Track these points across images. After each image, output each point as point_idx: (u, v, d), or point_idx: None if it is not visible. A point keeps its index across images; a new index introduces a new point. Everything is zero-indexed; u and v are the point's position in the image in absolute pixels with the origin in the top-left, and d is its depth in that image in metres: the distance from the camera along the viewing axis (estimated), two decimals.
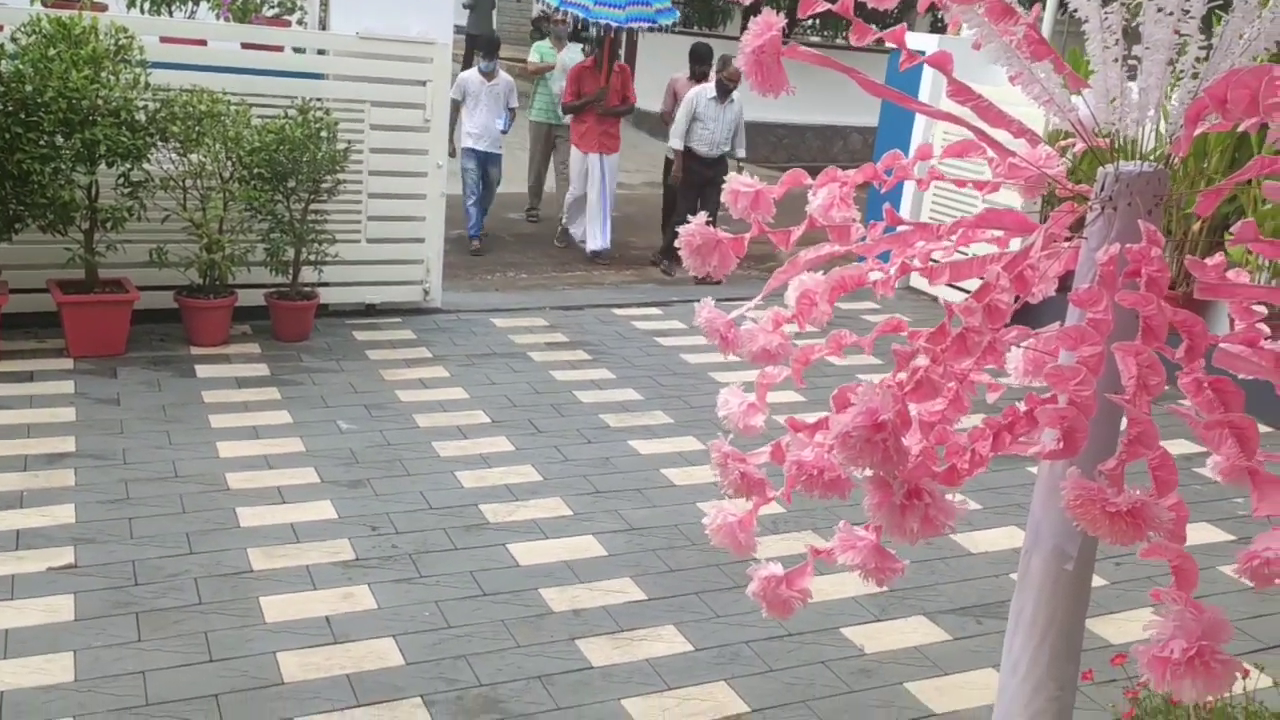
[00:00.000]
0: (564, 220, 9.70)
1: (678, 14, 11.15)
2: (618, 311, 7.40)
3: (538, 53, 10.01)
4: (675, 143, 9.08)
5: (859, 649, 3.69)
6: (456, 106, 8.92)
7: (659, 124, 11.20)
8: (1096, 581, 4.10)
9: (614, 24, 9.36)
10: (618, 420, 5.49)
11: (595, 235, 9.28)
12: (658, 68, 12.35)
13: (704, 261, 1.93)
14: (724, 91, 8.88)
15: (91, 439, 4.70)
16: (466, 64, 12.49)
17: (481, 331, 6.73)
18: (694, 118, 8.94)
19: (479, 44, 9.24)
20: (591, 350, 6.54)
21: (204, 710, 3.07)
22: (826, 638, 3.74)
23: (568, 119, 9.56)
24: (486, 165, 9.22)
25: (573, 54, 9.84)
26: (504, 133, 9.32)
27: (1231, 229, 1.92)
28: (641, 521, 4.44)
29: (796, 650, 3.64)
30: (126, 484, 4.34)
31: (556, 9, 9.57)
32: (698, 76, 9.51)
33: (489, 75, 9.12)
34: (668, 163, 9.62)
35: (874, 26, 1.96)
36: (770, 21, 1.80)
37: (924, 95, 7.61)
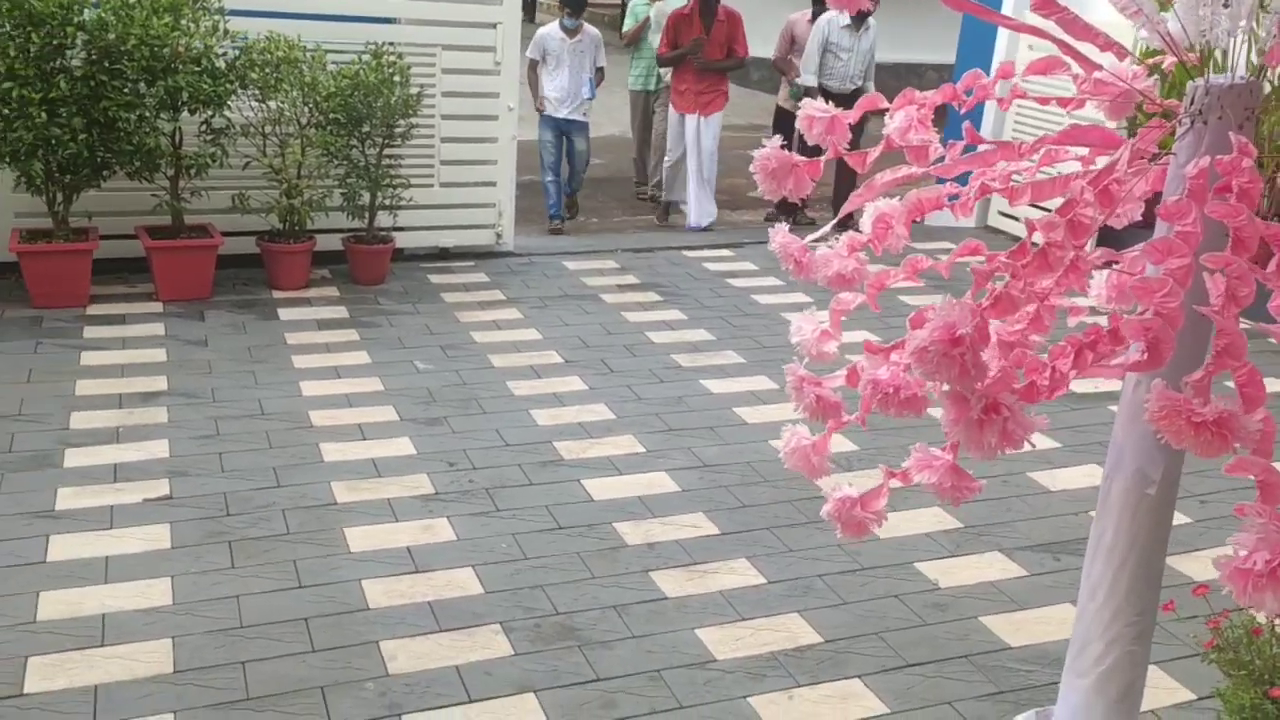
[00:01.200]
0: (660, 190, 8.55)
1: None
2: (689, 254, 7.39)
3: (633, 15, 8.93)
4: (808, 79, 7.97)
5: (933, 583, 3.69)
6: (534, 66, 7.91)
7: (771, 74, 10.20)
8: (1180, 519, 4.05)
9: None
10: (690, 360, 5.50)
11: (694, 209, 8.16)
12: (772, 8, 11.10)
13: (780, 185, 1.93)
14: (860, 17, 7.72)
15: (182, 378, 4.86)
16: (529, 14, 11.97)
17: (554, 274, 6.78)
18: (825, 49, 7.95)
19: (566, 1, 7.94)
20: (663, 292, 6.55)
21: (295, 632, 3.19)
22: (900, 572, 3.74)
23: (667, 78, 8.38)
24: (570, 135, 8.03)
25: (673, 5, 8.45)
26: (590, 99, 8.08)
27: None
28: (714, 459, 4.47)
29: (870, 584, 3.66)
30: (216, 421, 4.49)
31: None
32: (856, 23, 8.10)
33: (573, 30, 7.84)
34: (779, 113, 8.67)
35: None
36: None
37: (1008, 10, 7.43)
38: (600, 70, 8.09)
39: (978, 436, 1.52)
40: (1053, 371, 1.64)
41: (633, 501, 4.10)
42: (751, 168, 1.97)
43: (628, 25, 8.88)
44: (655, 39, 8.35)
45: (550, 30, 7.97)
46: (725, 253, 7.47)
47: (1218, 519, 4.16)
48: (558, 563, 3.67)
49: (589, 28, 8.00)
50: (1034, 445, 1.61)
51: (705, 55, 7.90)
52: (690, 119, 8.11)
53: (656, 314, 6.17)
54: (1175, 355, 1.60)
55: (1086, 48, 1.85)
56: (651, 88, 8.74)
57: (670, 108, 8.27)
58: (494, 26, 6.65)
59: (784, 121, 8.17)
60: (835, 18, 7.89)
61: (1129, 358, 1.52)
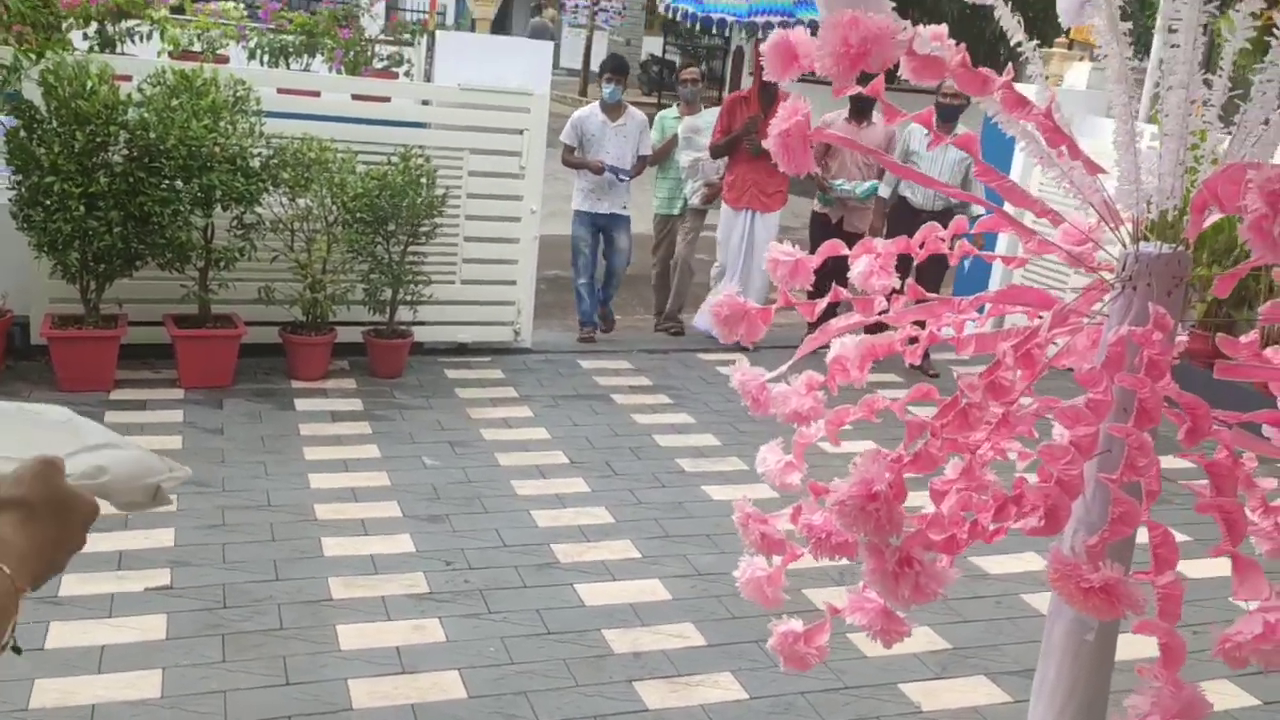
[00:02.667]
0: (679, 321, 7.89)
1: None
2: (703, 356, 7.50)
3: (660, 127, 7.90)
4: (883, 188, 7.14)
5: (915, 706, 3.69)
6: (570, 152, 7.29)
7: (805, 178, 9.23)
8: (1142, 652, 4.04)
9: (731, 18, 7.42)
10: (693, 465, 5.58)
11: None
12: (817, 108, 10.74)
13: (733, 331, 2.04)
14: (947, 116, 6.48)
15: (195, 466, 4.96)
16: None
17: (568, 373, 6.91)
18: (906, 159, 6.90)
19: (605, 65, 7.31)
20: (674, 394, 6.66)
21: None
22: (884, 693, 3.75)
23: (693, 197, 7.65)
24: (610, 232, 7.34)
25: (714, 116, 7.61)
26: (626, 178, 7.21)
27: (1259, 310, 1.94)
28: (708, 567, 4.52)
29: (852, 704, 3.67)
30: (223, 511, 4.61)
31: (685, 64, 7.96)
32: (856, 114, 7.28)
33: (615, 110, 7.15)
34: (814, 219, 7.68)
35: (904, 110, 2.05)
36: (797, 107, 1.91)
37: (1017, 160, 7.56)
38: (644, 159, 7.37)
39: (893, 588, 1.59)
40: (974, 525, 1.71)
41: (623, 609, 4.15)
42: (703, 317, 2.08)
43: (654, 140, 7.74)
44: (683, 157, 7.65)
45: (589, 112, 7.31)
46: (740, 356, 7.56)
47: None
48: (544, 669, 3.72)
49: (634, 110, 7.36)
50: (946, 597, 1.68)
51: (762, 138, 7.09)
52: (744, 216, 7.38)
53: (665, 417, 6.27)
54: (1098, 512, 1.68)
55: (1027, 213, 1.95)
56: (676, 211, 7.88)
57: (724, 206, 7.55)
58: (520, 133, 6.91)
59: (820, 229, 7.52)
60: (915, 125, 6.34)
61: (1027, 523, 1.60)
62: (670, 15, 7.77)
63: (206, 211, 5.76)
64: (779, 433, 2.36)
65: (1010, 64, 2.17)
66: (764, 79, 5.84)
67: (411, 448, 5.48)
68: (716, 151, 7.44)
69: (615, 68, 7.30)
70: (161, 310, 6.11)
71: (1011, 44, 2.06)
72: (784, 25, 6.62)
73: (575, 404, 6.36)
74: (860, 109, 7.17)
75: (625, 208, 7.32)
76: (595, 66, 25.33)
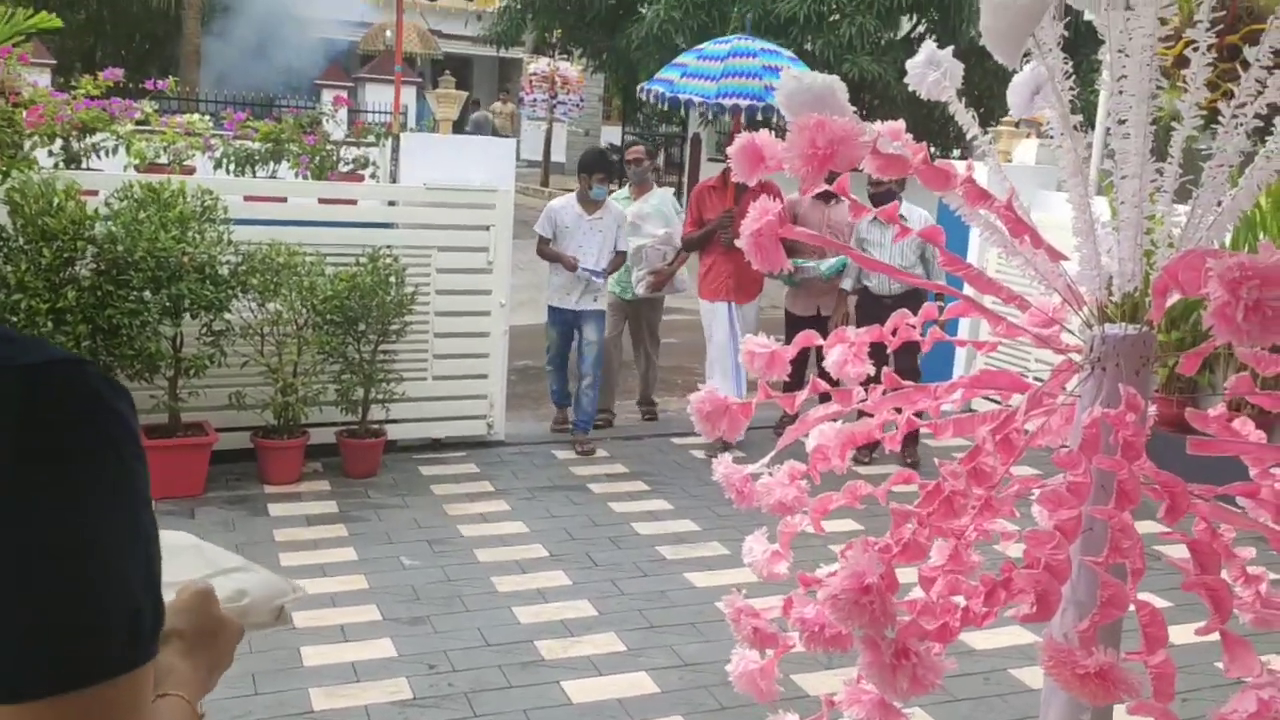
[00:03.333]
0: (612, 415, 7.72)
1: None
2: (676, 440, 7.51)
3: None
4: (845, 282, 6.96)
5: None
6: (544, 243, 7.02)
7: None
8: None
9: (700, 99, 7.01)
10: (674, 552, 5.56)
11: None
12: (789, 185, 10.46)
13: (715, 427, 2.07)
14: (881, 202, 5.98)
15: None
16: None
17: (543, 464, 6.90)
18: (860, 244, 6.76)
19: (587, 162, 6.97)
20: (650, 480, 6.65)
21: None
22: None
23: (638, 286, 7.41)
24: (582, 326, 7.04)
25: (662, 202, 7.59)
26: (600, 278, 6.93)
27: (1226, 383, 2.00)
28: (694, 657, 4.47)
29: None
30: None
31: (646, 97, 7.36)
32: (826, 198, 6.83)
33: (593, 205, 6.90)
34: (788, 314, 7.40)
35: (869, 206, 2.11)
36: (767, 208, 1.96)
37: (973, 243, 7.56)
38: (621, 255, 7.06)
39: (890, 681, 1.60)
40: (965, 611, 1.73)
41: (611, 704, 4.09)
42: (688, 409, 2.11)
43: None
44: (633, 243, 7.25)
45: (564, 204, 7.01)
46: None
47: None
48: None
49: (612, 203, 7.09)
50: (943, 688, 1.68)
51: (737, 230, 6.69)
52: (720, 308, 7.08)
53: (643, 504, 6.26)
54: (1085, 595, 1.70)
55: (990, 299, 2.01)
56: (628, 296, 7.57)
57: (700, 300, 7.29)
58: (487, 229, 6.99)
59: (793, 323, 7.27)
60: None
61: (1019, 610, 1.62)
62: (645, 98, 7.47)
63: (175, 321, 5.76)
64: (758, 517, 2.38)
65: (964, 148, 2.25)
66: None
67: (389, 548, 5.42)
68: (689, 245, 7.22)
69: (605, 167, 7.04)
70: None
71: (968, 136, 2.15)
72: (751, 110, 6.89)
73: (552, 495, 6.34)
74: (827, 190, 7.07)
75: (597, 300, 7.07)
76: (556, 157, 25.78)
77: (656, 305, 7.83)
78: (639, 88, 7.61)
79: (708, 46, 7.51)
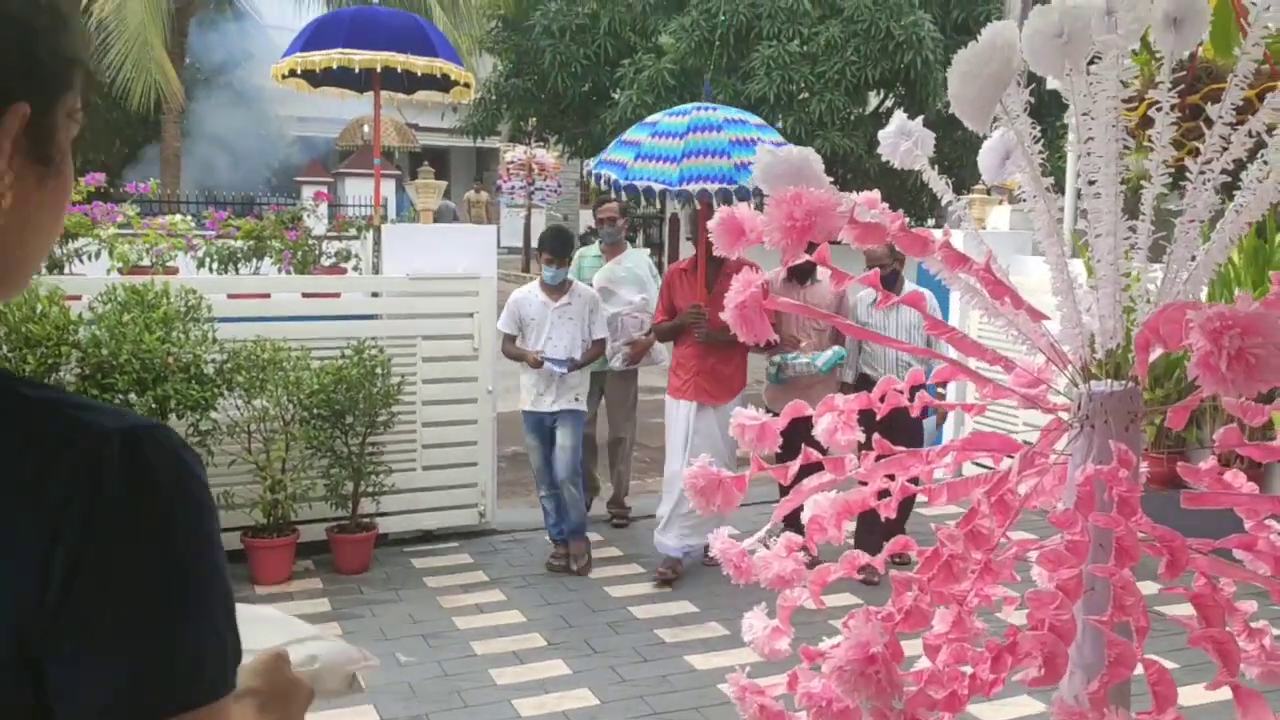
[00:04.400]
0: (623, 509, 7.25)
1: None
2: None
3: (578, 267, 6.94)
4: (846, 374, 6.23)
5: None
6: (510, 341, 6.33)
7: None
8: None
9: (660, 186, 5.89)
10: (673, 635, 5.48)
11: (672, 528, 6.20)
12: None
13: (710, 501, 2.06)
14: (889, 281, 5.80)
15: None
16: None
17: (536, 551, 6.82)
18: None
19: (544, 242, 6.32)
20: (645, 563, 6.58)
21: None
22: None
23: (614, 359, 6.79)
24: (556, 429, 6.22)
25: (637, 265, 7.07)
26: (563, 369, 6.10)
27: (1215, 435, 2.00)
28: None
29: None
30: None
31: (597, 183, 6.36)
32: (798, 274, 6.10)
33: (557, 290, 6.20)
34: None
35: (851, 274, 2.14)
36: (750, 279, 1.98)
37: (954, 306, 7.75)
38: (599, 343, 6.33)
39: None
40: (973, 678, 1.70)
41: None
42: (682, 485, 2.09)
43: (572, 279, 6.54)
44: (606, 311, 6.59)
45: (527, 293, 6.26)
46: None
47: None
48: None
49: (580, 285, 6.34)
50: None
51: (711, 325, 5.75)
52: (688, 408, 6.09)
53: (639, 587, 6.18)
54: (1092, 654, 1.68)
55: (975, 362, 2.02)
56: (603, 369, 6.94)
57: (668, 398, 6.30)
58: (471, 316, 7.02)
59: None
60: (862, 291, 6.00)
61: (1028, 673, 1.60)
62: (598, 184, 6.42)
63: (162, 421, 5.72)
64: (754, 594, 2.35)
65: (937, 217, 2.29)
66: (711, 252, 4.60)
67: (384, 645, 5.32)
68: (660, 335, 6.44)
69: (554, 247, 6.19)
70: None
71: (941, 202, 2.18)
72: (723, 193, 5.77)
73: (547, 582, 6.26)
74: (801, 271, 6.02)
75: (579, 399, 6.24)
76: (535, 243, 26.02)
77: (634, 379, 7.30)
78: (589, 171, 6.53)
79: (662, 120, 6.24)
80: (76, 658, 0.85)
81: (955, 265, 1.85)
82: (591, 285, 6.65)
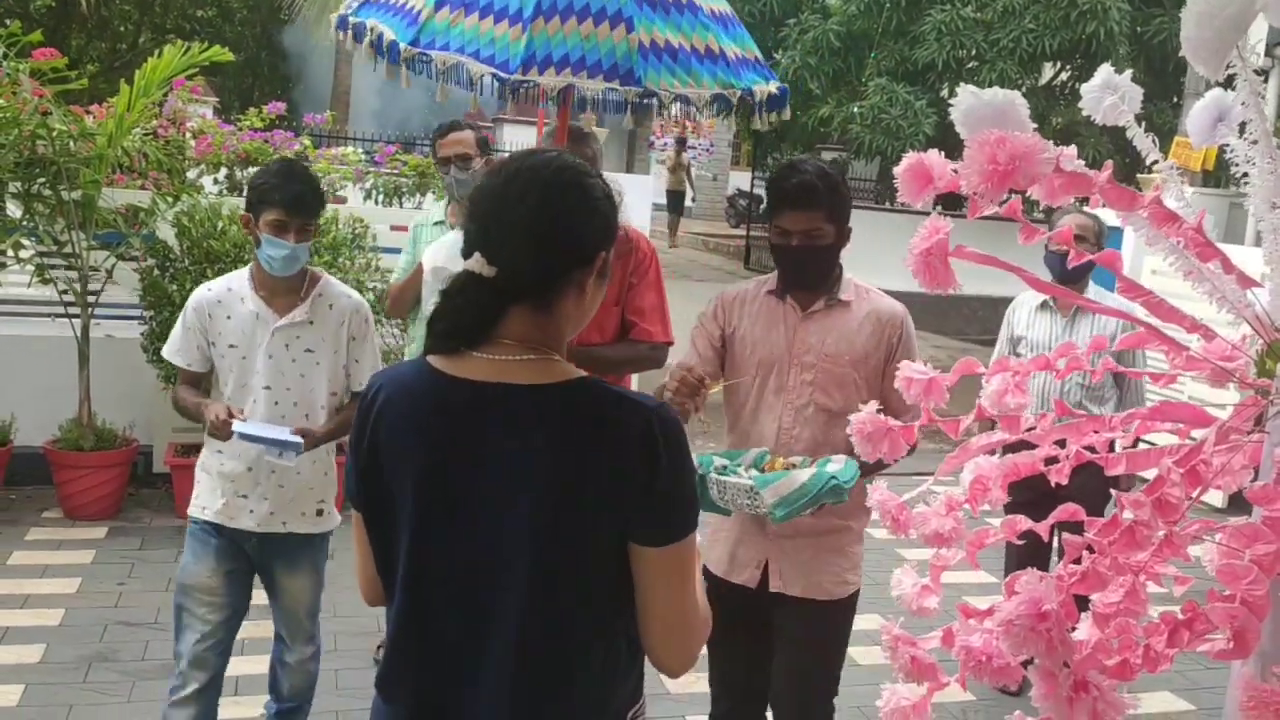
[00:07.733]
0: None
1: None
2: None
3: (413, 240, 4.64)
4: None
5: None
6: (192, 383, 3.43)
7: None
8: None
9: (488, 71, 3.52)
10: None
11: None
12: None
13: (876, 448, 2.02)
14: (1069, 278, 4.07)
15: None
16: None
17: None
18: (1014, 345, 4.55)
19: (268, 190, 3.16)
20: None
21: None
22: None
23: None
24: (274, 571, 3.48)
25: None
26: (294, 451, 3.10)
27: None
28: None
29: None
30: None
31: (451, 125, 4.62)
32: (796, 282, 3.14)
33: (285, 288, 3.23)
34: None
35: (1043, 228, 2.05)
36: (938, 225, 1.92)
37: (1127, 267, 7.44)
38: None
39: (1067, 714, 1.52)
40: (1147, 649, 1.64)
41: None
42: (848, 430, 2.07)
43: (404, 262, 4.65)
44: (428, 305, 3.76)
45: (220, 290, 3.32)
46: None
47: None
48: None
49: (334, 286, 3.39)
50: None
51: (581, 337, 2.81)
52: None
53: None
54: (1273, 638, 1.60)
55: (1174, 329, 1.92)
56: None
57: None
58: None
59: None
60: (1026, 295, 4.45)
61: (1214, 644, 1.53)
62: (345, 41, 4.28)
63: None
64: (885, 562, 2.31)
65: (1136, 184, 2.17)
66: None
67: None
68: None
69: (290, 197, 3.14)
70: None
71: (1147, 161, 2.07)
72: (612, 95, 3.66)
73: None
74: (798, 283, 3.06)
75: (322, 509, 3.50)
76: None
77: None
78: (333, 25, 4.20)
79: None
80: (659, 513, 1.65)
81: (1163, 223, 1.76)
82: (428, 265, 4.02)
